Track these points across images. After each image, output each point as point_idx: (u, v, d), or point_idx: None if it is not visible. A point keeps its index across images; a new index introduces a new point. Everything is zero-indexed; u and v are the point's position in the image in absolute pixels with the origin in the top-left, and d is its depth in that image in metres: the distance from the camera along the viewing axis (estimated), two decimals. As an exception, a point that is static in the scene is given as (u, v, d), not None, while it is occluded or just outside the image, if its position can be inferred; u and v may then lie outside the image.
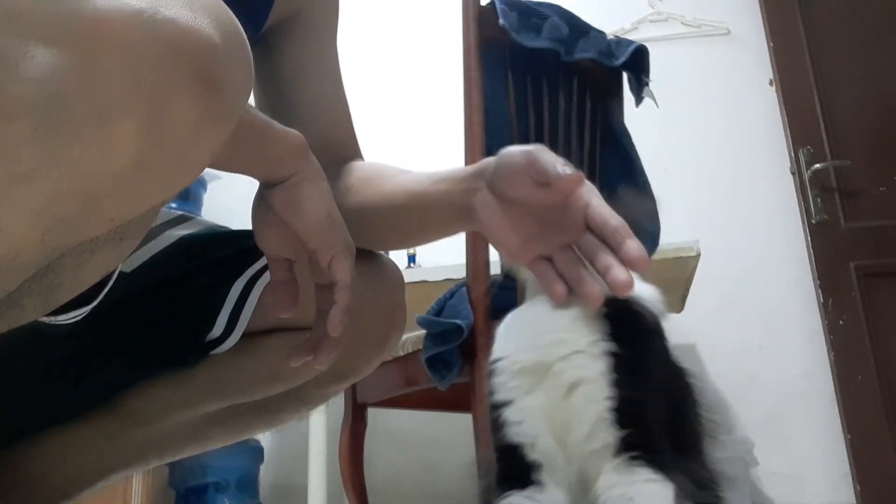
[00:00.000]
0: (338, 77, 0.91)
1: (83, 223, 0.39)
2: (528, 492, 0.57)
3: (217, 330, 0.74)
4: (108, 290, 0.59)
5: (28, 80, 0.34)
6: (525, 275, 0.68)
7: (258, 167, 0.61)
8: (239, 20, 0.43)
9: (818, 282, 2.52)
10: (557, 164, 0.62)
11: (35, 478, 0.70)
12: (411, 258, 2.42)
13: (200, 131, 0.40)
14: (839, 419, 2.39)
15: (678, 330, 2.49)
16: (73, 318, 0.58)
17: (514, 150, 0.66)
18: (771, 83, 2.79)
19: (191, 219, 0.82)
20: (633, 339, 0.59)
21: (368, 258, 0.80)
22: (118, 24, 0.36)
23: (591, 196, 0.63)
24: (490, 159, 0.69)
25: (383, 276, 0.82)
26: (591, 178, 1.57)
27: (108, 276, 0.58)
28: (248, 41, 0.43)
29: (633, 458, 0.55)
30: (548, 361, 0.59)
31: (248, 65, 0.44)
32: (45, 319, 0.57)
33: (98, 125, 0.36)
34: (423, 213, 0.75)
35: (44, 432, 0.71)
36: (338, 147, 0.87)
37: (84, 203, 0.38)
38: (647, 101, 1.63)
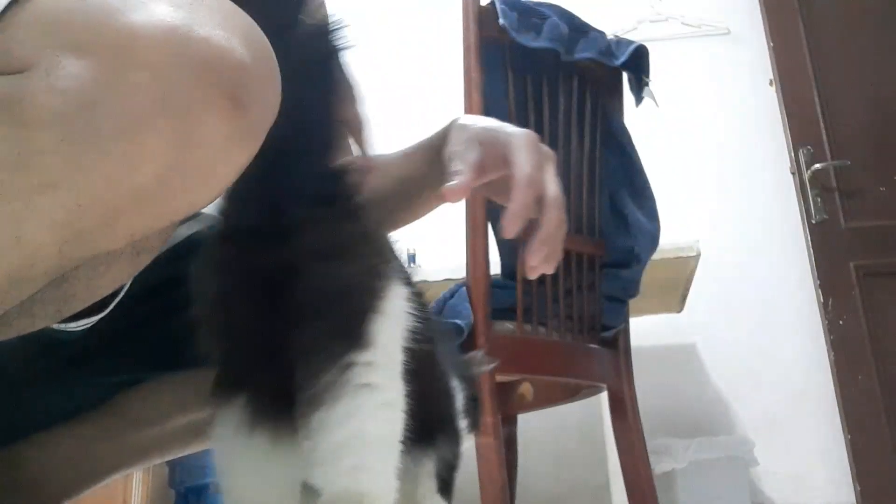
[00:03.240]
0: None
1: (102, 236, 0.39)
2: None
3: None
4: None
5: (58, 90, 0.34)
6: None
7: None
8: None
9: (818, 282, 2.52)
10: (457, 173, 0.66)
11: (38, 477, 0.70)
12: (411, 258, 2.42)
13: (226, 150, 0.40)
14: (839, 419, 2.39)
15: (678, 330, 2.49)
16: (84, 326, 0.58)
17: (456, 138, 0.71)
18: (771, 83, 2.79)
19: (197, 215, 0.81)
20: None
21: None
22: (151, 39, 0.36)
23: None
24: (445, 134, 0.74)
25: None
26: (591, 177, 1.57)
27: (121, 286, 0.58)
28: (276, 60, 0.43)
29: None
30: None
31: (277, 86, 0.43)
32: (56, 327, 0.56)
33: (125, 139, 0.36)
34: (405, 176, 0.80)
35: (47, 432, 0.71)
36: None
37: (105, 216, 0.38)
38: (647, 100, 1.63)
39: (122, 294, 0.58)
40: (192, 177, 0.40)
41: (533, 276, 0.64)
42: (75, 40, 0.35)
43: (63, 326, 0.57)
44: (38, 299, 0.41)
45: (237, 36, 0.40)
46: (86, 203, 0.37)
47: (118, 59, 0.36)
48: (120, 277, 0.44)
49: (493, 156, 0.67)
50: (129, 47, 0.36)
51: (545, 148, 0.68)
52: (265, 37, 0.42)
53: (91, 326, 0.62)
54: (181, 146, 0.38)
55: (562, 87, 1.49)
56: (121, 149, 0.36)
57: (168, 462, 2.18)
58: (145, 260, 0.45)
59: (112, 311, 0.64)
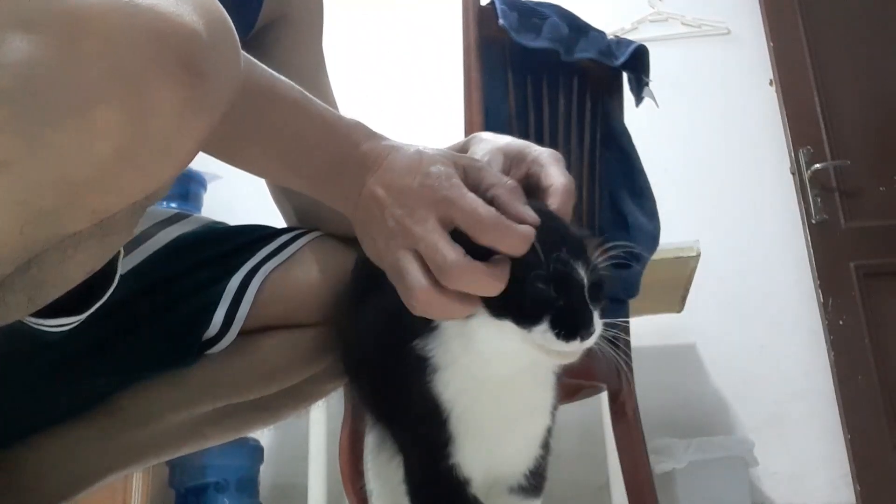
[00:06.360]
0: (326, 79, 0.91)
1: (64, 215, 0.38)
2: None
3: (213, 328, 0.74)
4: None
5: (5, 66, 0.34)
6: None
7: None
8: None
9: (818, 282, 2.52)
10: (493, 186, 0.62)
11: (32, 480, 0.69)
12: (411, 258, 2.42)
13: (184, 120, 0.39)
14: (839, 419, 2.39)
15: (678, 330, 2.49)
16: (66, 326, 0.57)
17: (481, 149, 0.68)
18: (771, 83, 2.79)
19: (187, 216, 0.81)
20: None
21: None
22: (98, 10, 0.36)
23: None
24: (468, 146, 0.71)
25: None
26: (591, 177, 1.57)
27: (106, 285, 0.57)
28: (235, 30, 0.43)
29: None
30: None
31: (235, 53, 0.43)
32: (38, 325, 0.56)
33: (77, 112, 0.36)
34: None
35: (40, 434, 0.71)
36: None
37: (64, 194, 0.37)
38: (647, 101, 1.62)
39: (105, 297, 0.58)
40: (151, 149, 0.39)
41: None
42: (22, 17, 0.35)
43: (43, 324, 0.56)
44: (7, 287, 0.40)
45: (188, 4, 0.39)
46: (44, 181, 0.36)
47: (65, 31, 0.35)
48: (91, 261, 0.43)
49: (518, 168, 0.67)
50: (76, 19, 0.35)
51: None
52: (219, 4, 0.42)
53: (83, 326, 0.62)
54: (135, 117, 0.37)
55: (562, 87, 1.49)
56: (73, 122, 0.36)
57: (168, 462, 2.18)
58: (115, 242, 0.44)
59: (103, 310, 0.64)
